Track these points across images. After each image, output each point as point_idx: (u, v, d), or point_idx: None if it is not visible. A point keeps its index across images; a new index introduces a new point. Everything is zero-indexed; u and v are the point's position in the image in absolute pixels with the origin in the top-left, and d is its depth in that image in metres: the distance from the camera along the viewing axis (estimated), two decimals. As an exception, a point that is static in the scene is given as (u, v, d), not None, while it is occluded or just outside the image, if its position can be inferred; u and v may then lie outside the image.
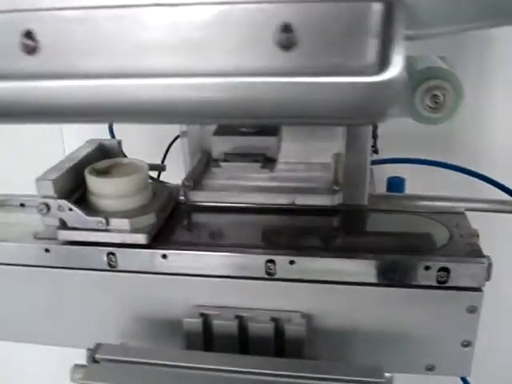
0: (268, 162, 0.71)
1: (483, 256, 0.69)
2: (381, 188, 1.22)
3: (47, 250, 0.73)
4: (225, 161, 0.70)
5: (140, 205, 0.75)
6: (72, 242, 0.73)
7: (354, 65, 0.30)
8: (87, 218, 0.72)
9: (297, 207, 0.80)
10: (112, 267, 0.72)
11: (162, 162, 1.10)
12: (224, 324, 0.71)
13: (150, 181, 0.80)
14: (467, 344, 0.71)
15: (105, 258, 0.72)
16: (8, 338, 0.80)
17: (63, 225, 0.73)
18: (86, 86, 0.38)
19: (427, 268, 0.68)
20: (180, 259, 0.71)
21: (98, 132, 0.96)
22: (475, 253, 0.70)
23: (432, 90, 0.70)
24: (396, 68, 0.29)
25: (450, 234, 0.74)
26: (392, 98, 0.30)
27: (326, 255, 0.70)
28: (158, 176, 1.00)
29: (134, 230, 0.72)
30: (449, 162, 1.12)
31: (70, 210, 0.72)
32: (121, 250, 0.72)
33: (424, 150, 1.22)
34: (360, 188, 0.90)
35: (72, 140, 1.42)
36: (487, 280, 0.69)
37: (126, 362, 0.67)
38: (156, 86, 0.35)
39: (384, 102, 0.30)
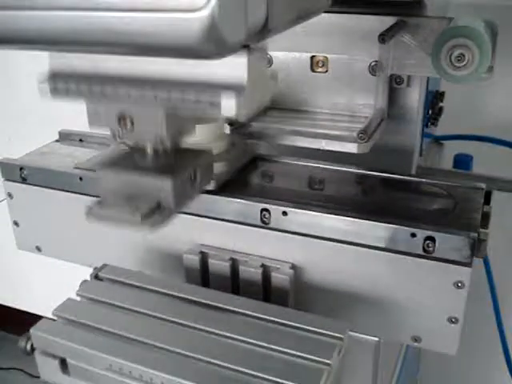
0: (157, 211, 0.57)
1: (474, 231, 0.66)
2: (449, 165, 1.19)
3: (81, 179, 0.83)
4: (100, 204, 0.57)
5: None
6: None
7: (174, 2, 0.33)
8: None
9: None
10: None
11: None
12: (218, 264, 0.76)
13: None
14: (454, 320, 0.69)
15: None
16: (48, 254, 0.92)
17: None
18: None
19: (413, 235, 0.67)
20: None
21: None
22: (467, 226, 0.67)
23: (456, 48, 0.72)
24: (208, 8, 0.32)
25: (453, 206, 0.72)
26: (207, 35, 0.32)
27: (317, 210, 0.71)
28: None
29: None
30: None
31: None
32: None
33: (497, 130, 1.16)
34: (407, 156, 0.90)
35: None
36: (476, 256, 0.67)
37: (125, 283, 0.75)
38: None
39: (200, 39, 0.33)
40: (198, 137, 0.64)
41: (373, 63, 0.85)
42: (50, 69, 0.52)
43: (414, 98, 0.89)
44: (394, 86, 0.88)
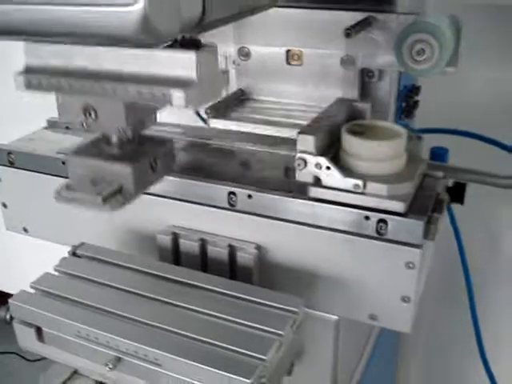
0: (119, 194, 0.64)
1: (424, 214, 0.71)
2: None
3: (63, 163, 0.88)
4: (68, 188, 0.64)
5: (396, 171, 0.74)
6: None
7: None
8: (344, 178, 0.72)
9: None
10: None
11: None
12: (188, 244, 0.81)
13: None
14: (406, 300, 0.74)
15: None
16: (34, 235, 0.97)
17: (317, 182, 0.73)
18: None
19: (367, 218, 0.72)
20: (164, 182, 0.81)
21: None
22: (418, 211, 0.72)
23: (417, 43, 0.76)
24: (140, 2, 0.37)
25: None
26: (141, 27, 0.37)
27: (279, 194, 0.76)
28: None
29: (392, 197, 0.70)
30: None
31: (328, 168, 0.72)
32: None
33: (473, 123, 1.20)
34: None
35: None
36: (427, 238, 0.71)
37: (101, 260, 0.80)
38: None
39: (135, 30, 0.38)
40: (379, 154, 0.72)
41: (344, 57, 0.90)
42: (25, 63, 0.58)
43: (385, 92, 0.94)
44: (366, 79, 0.92)
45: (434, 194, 0.77)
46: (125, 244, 0.89)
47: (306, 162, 0.73)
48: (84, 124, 0.60)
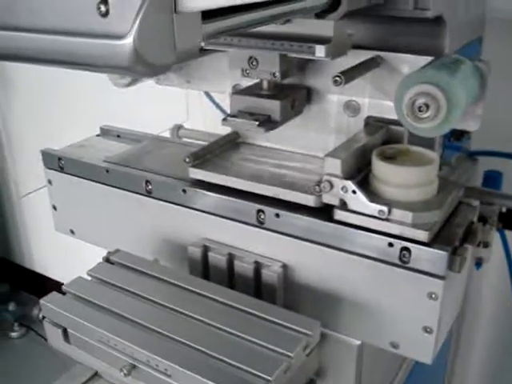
0: (268, 122, 0.80)
1: (450, 244, 0.69)
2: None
3: (107, 171, 0.92)
4: (232, 116, 0.81)
5: (424, 198, 0.72)
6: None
7: (104, 31, 0.40)
8: (369, 203, 0.71)
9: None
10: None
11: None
12: (217, 257, 0.82)
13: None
14: (428, 330, 0.72)
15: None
16: (80, 238, 1.02)
17: (343, 205, 0.73)
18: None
19: (390, 245, 0.71)
20: (198, 196, 0.84)
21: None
22: (445, 238, 0.70)
23: (419, 96, 0.62)
24: (130, 37, 0.38)
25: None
26: (133, 59, 0.39)
27: (306, 214, 0.76)
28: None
29: (416, 225, 0.69)
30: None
31: (354, 192, 0.71)
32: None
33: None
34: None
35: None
36: (452, 270, 0.69)
37: (132, 268, 0.83)
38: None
39: (127, 62, 0.40)
40: (407, 180, 0.71)
41: (348, 102, 0.84)
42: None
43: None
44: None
45: (465, 224, 0.74)
46: (160, 252, 0.91)
47: (332, 185, 0.73)
48: (246, 71, 0.80)
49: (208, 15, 0.45)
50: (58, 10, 0.44)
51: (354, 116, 0.84)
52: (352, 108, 0.84)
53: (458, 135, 1.06)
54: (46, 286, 2.17)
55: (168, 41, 0.41)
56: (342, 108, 0.84)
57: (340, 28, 0.74)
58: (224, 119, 0.82)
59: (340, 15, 0.68)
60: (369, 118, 0.83)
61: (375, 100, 0.81)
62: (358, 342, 0.79)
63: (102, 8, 0.41)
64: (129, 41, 0.39)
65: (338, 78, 0.72)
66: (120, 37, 0.39)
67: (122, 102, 1.54)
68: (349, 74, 0.73)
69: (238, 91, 0.86)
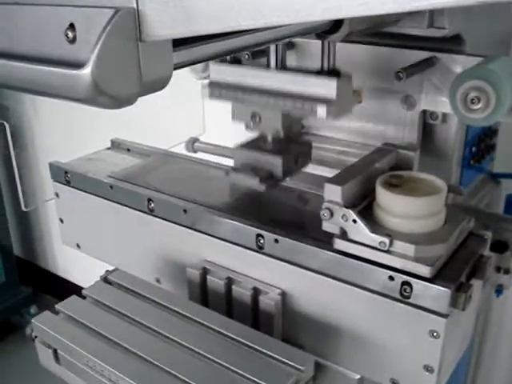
0: (270, 179, 0.82)
1: (454, 280, 0.65)
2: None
3: (111, 187, 0.90)
4: (235, 170, 0.85)
5: (429, 230, 0.68)
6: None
7: (72, 59, 0.38)
8: (370, 234, 0.68)
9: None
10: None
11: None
12: (215, 281, 0.80)
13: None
14: (430, 369, 0.68)
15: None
16: (85, 252, 1.01)
17: (343, 234, 0.70)
18: None
19: (391, 278, 0.67)
20: (199, 216, 0.82)
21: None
22: (450, 274, 0.66)
23: (472, 90, 0.69)
24: (87, 67, 0.36)
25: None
26: (92, 90, 0.37)
27: (306, 241, 0.73)
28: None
29: (419, 259, 0.65)
30: None
31: (354, 221, 0.68)
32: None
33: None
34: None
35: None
36: (455, 307, 0.65)
37: (129, 290, 0.82)
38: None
39: (87, 93, 0.37)
40: (411, 211, 0.68)
41: (404, 97, 0.86)
42: (210, 78, 0.80)
43: (450, 135, 0.88)
44: (429, 121, 0.87)
45: (473, 258, 0.70)
46: (161, 272, 0.90)
47: (332, 213, 0.70)
48: (250, 126, 0.82)
49: (183, 42, 0.43)
50: (29, 36, 0.42)
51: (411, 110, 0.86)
52: (409, 103, 0.85)
53: (478, 157, 1.01)
54: (68, 289, 2.20)
55: (132, 71, 0.39)
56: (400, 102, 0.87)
57: (344, 87, 0.74)
58: (226, 175, 0.87)
59: (341, 36, 0.66)
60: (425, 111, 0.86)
61: (430, 96, 0.84)
62: (358, 376, 0.76)
63: (70, 34, 0.40)
64: (87, 71, 0.37)
65: (400, 74, 0.76)
66: (81, 66, 0.38)
67: (137, 114, 1.53)
68: (409, 71, 0.77)
69: (242, 144, 0.85)
